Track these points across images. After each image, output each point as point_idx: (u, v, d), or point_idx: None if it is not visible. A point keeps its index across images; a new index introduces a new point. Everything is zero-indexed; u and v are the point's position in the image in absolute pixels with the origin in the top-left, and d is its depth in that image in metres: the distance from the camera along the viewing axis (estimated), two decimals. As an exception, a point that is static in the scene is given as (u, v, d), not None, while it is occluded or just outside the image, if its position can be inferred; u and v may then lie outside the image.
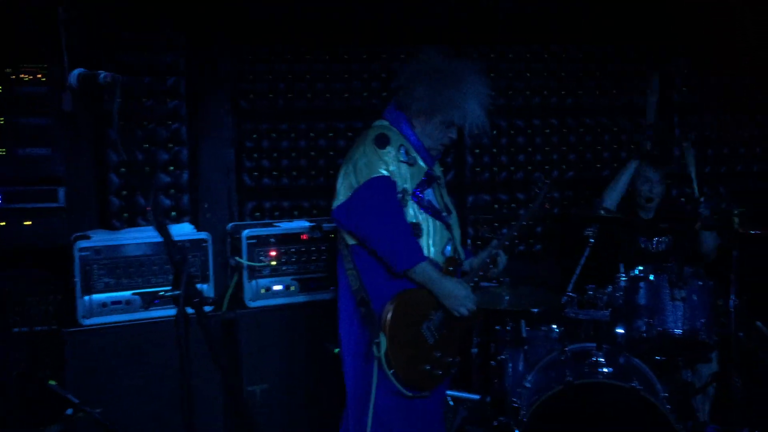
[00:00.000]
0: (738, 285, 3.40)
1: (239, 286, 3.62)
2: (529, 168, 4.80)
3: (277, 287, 3.62)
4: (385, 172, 2.75)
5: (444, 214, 2.95)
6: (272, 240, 3.60)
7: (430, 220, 2.85)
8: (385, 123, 2.94)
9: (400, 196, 2.77)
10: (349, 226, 2.79)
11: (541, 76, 4.79)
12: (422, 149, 2.91)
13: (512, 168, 4.78)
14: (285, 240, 3.64)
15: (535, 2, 4.63)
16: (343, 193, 2.81)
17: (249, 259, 3.54)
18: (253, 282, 3.57)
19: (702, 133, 5.01)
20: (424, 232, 2.82)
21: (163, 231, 1.72)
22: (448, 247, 2.90)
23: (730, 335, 3.42)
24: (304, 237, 3.68)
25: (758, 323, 3.79)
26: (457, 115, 2.84)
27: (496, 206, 4.75)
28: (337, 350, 3.06)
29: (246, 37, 4.24)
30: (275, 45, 4.33)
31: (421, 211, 2.83)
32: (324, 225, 3.71)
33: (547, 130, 4.82)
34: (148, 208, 1.75)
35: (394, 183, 2.76)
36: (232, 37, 4.19)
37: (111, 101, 1.82)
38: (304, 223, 3.79)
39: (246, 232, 3.56)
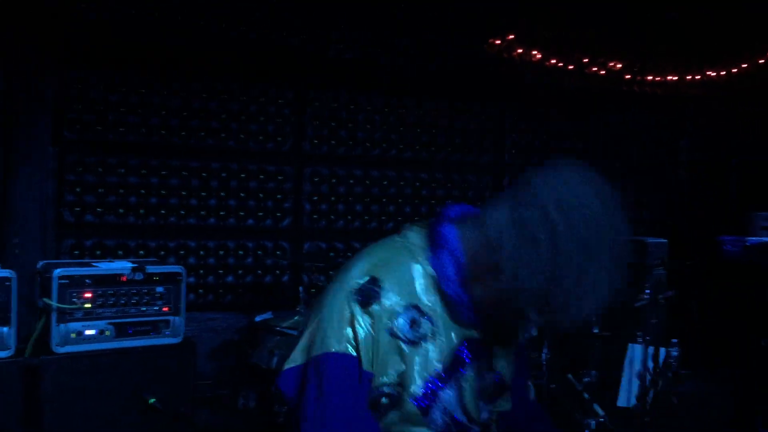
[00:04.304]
0: (550, 338, 3.58)
1: (47, 330, 3.32)
2: (366, 218, 4.85)
3: (90, 332, 3.34)
4: (349, 349, 1.44)
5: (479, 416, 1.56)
6: (88, 281, 3.35)
7: None
8: (413, 233, 1.54)
9: (386, 397, 1.45)
10: (291, 404, 1.49)
11: (381, 129, 4.90)
12: (463, 301, 1.50)
13: (349, 217, 4.81)
14: (103, 281, 3.39)
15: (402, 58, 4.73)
16: (298, 352, 1.52)
17: (60, 301, 3.26)
18: (62, 326, 3.28)
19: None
20: None
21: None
22: None
23: (542, 386, 3.59)
24: (124, 279, 3.45)
25: (569, 375, 4.01)
26: (565, 312, 1.41)
27: (331, 254, 4.75)
28: (152, 400, 2.86)
29: (75, 62, 4.00)
30: (108, 73, 4.11)
31: (433, 427, 1.48)
32: (147, 267, 3.50)
33: (385, 182, 4.93)
34: None
35: (357, 372, 1.43)
36: (59, 60, 3.94)
37: None
38: (125, 264, 3.55)
39: (57, 272, 3.27)
